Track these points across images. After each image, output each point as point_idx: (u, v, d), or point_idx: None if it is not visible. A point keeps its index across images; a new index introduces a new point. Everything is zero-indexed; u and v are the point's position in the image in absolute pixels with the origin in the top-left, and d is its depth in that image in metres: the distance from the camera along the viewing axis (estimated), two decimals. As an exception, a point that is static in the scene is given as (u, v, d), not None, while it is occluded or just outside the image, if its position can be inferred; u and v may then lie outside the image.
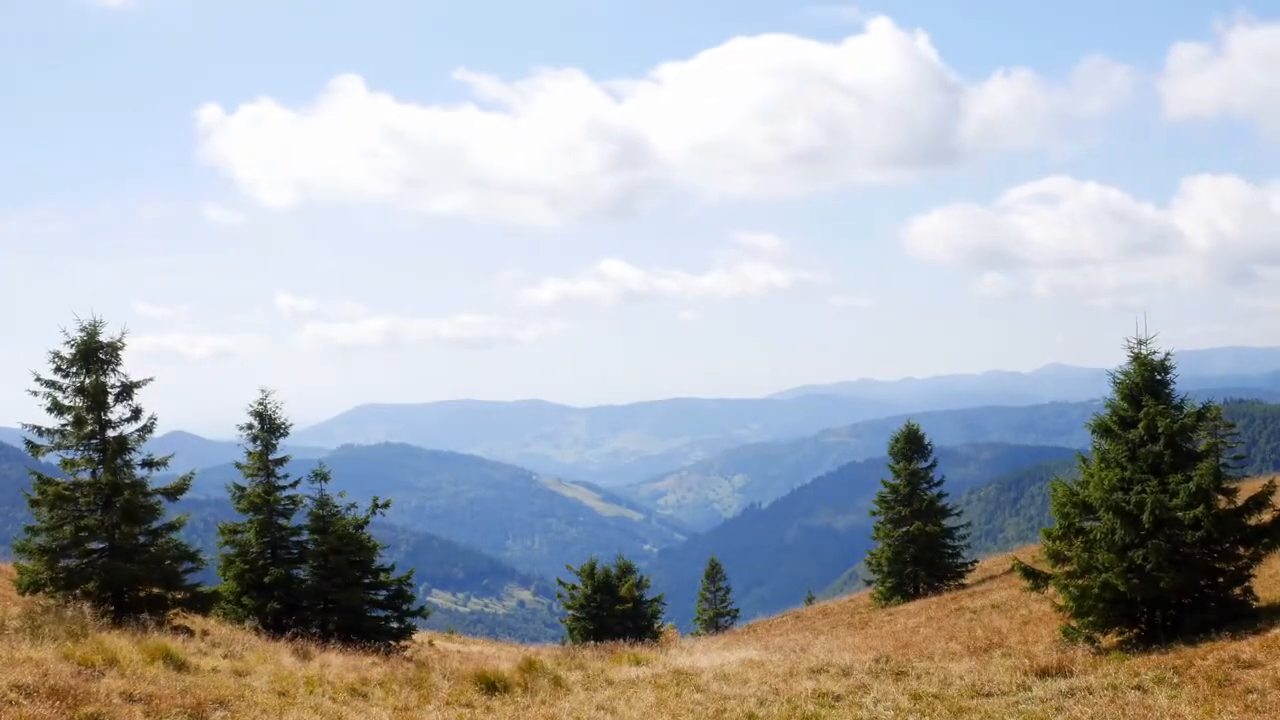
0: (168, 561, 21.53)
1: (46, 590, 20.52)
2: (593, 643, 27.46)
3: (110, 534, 20.92)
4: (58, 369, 21.01)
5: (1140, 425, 18.22)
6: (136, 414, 21.58)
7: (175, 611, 21.88)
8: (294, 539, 26.15)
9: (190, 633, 19.97)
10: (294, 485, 26.19)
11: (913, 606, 33.41)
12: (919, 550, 38.01)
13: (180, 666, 14.99)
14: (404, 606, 26.81)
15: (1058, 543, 19.20)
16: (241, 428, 26.02)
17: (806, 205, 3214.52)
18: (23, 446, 21.37)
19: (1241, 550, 18.10)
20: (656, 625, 37.97)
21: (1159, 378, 18.71)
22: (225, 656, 17.30)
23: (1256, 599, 18.38)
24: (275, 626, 24.07)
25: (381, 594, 26.65)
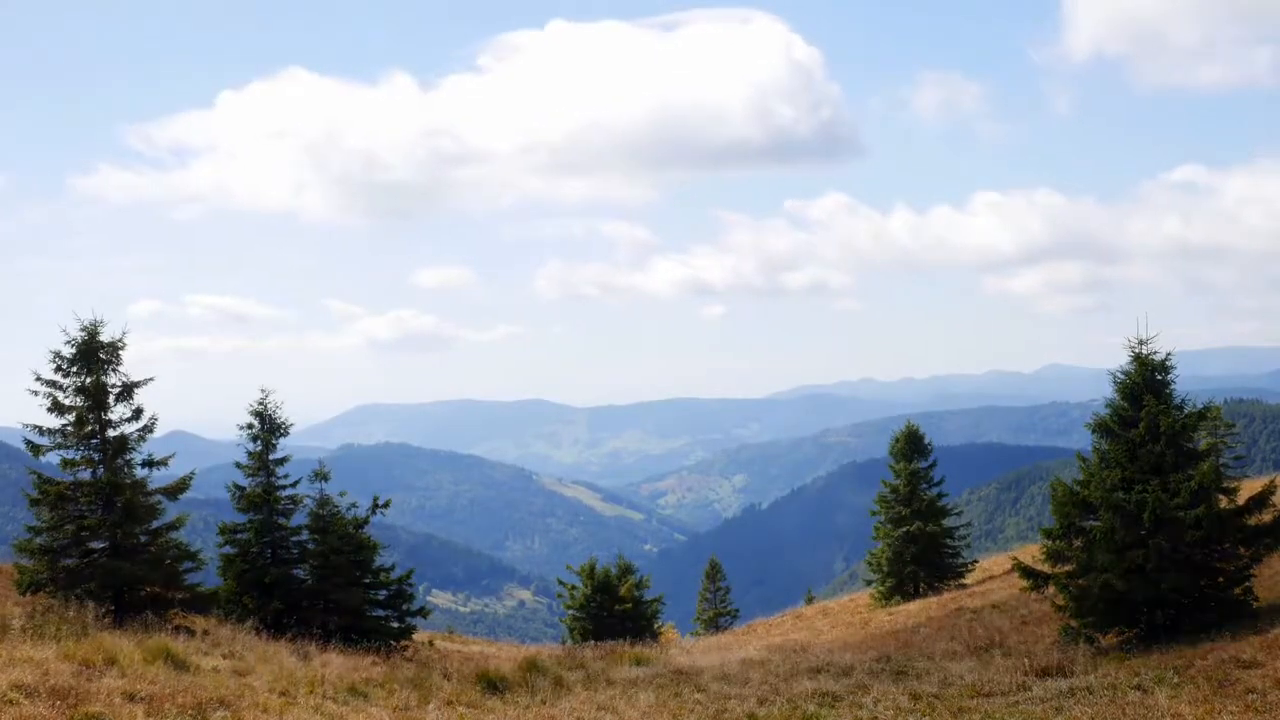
0: (168, 561, 21.53)
1: (47, 590, 20.51)
2: (593, 643, 27.47)
3: (111, 534, 20.92)
4: (58, 369, 21.01)
5: (1141, 424, 18.23)
6: (137, 414, 21.60)
7: (175, 611, 21.87)
8: (294, 539, 26.10)
9: (191, 632, 19.97)
10: (294, 485, 26.14)
11: (913, 606, 33.40)
12: (919, 550, 37.99)
13: (181, 666, 15.00)
14: (404, 606, 26.79)
15: (1058, 542, 19.22)
16: (242, 427, 25.97)
17: (802, 202, 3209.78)
18: (23, 446, 21.38)
19: (1242, 550, 18.13)
20: (656, 625, 37.95)
21: (1160, 377, 18.73)
22: (226, 656, 17.30)
23: (1256, 599, 18.38)
24: (275, 626, 24.04)
25: (381, 594, 26.63)
